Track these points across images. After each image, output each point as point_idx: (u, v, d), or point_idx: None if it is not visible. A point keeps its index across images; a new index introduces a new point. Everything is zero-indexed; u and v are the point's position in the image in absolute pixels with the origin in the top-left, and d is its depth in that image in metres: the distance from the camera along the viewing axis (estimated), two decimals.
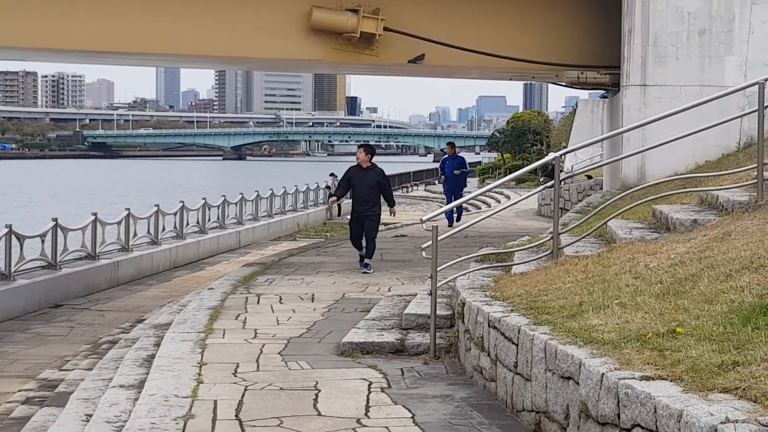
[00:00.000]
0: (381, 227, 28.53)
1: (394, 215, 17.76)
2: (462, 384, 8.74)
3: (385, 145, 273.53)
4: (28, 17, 21.64)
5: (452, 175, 26.67)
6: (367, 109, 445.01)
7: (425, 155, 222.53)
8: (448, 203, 25.55)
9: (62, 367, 12.06)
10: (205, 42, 22.60)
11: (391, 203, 17.33)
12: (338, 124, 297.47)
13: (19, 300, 16.57)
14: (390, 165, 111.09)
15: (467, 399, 8.18)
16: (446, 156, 27.59)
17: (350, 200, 17.71)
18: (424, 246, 10.04)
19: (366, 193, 16.85)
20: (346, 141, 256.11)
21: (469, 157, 71.67)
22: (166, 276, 21.90)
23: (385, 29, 21.23)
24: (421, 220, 10.25)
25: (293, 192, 37.01)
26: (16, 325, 15.70)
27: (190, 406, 7.72)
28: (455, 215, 25.83)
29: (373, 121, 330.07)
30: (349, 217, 17.66)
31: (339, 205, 40.19)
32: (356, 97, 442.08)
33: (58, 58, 28.95)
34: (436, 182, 31.48)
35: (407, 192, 63.97)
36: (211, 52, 23.17)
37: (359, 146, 17.58)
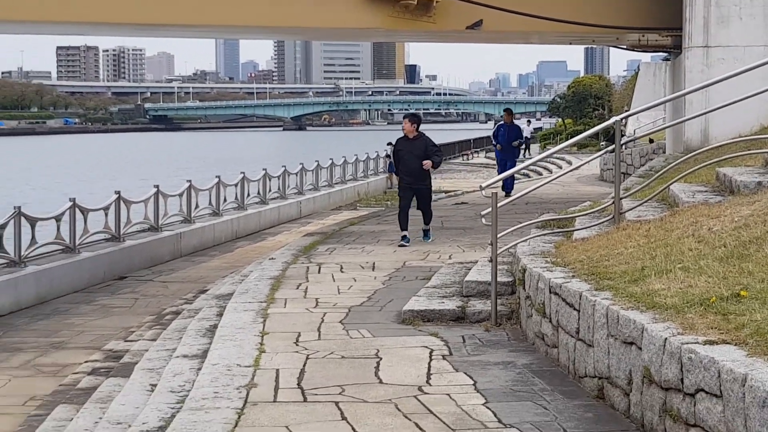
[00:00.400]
0: (441, 195, 28.57)
1: (425, 166, 16.23)
2: (524, 351, 8.71)
3: (445, 113, 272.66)
4: None
5: (507, 144, 24.97)
6: (427, 77, 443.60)
7: (485, 122, 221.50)
8: (499, 172, 24.02)
9: (127, 338, 12.19)
10: (263, 12, 22.61)
11: (434, 161, 16.34)
12: (397, 92, 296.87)
13: (84, 272, 16.77)
14: (450, 132, 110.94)
15: (529, 365, 8.15)
16: (502, 122, 26.06)
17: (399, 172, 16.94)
18: (483, 213, 10.00)
19: (414, 163, 16.26)
20: (406, 109, 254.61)
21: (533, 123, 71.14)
22: (228, 247, 22.04)
23: None
24: (480, 186, 10.20)
25: (353, 161, 37.00)
26: (81, 297, 15.91)
27: (253, 375, 7.77)
28: (505, 186, 23.93)
29: (433, 88, 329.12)
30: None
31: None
32: (415, 65, 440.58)
33: (118, 32, 29.11)
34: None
35: (467, 159, 63.70)
36: (269, 22, 23.19)
37: (404, 116, 17.03)
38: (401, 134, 16.90)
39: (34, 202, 37.85)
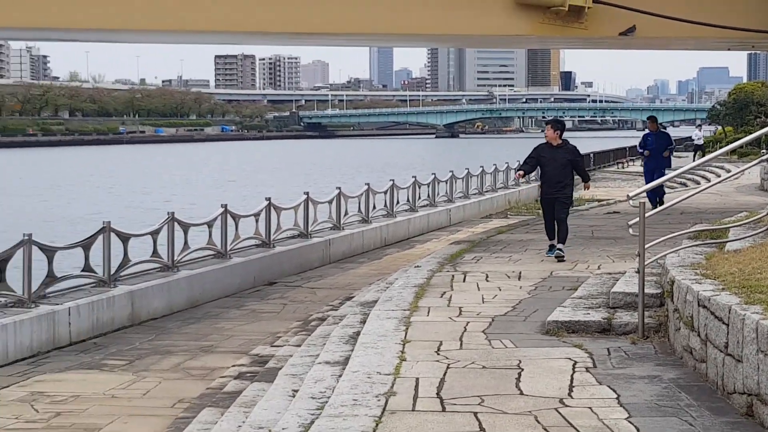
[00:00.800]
0: (594, 203, 28.15)
1: (588, 189, 16.76)
2: (671, 365, 8.47)
3: (601, 120, 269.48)
4: (244, 1, 22.18)
5: (656, 152, 23.58)
6: (582, 83, 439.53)
7: (643, 130, 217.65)
8: (647, 182, 22.15)
9: (273, 343, 12.33)
10: (417, 20, 22.59)
11: (586, 178, 16.22)
12: (552, 99, 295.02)
13: (234, 277, 17.07)
14: (605, 140, 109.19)
15: (676, 380, 7.93)
16: (647, 132, 24.48)
17: (539, 182, 16.40)
18: (631, 223, 9.79)
19: (557, 173, 15.39)
20: (561, 117, 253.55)
21: (689, 131, 69.57)
22: (376, 254, 22.14)
23: (594, 1, 20.75)
24: (627, 196, 10.00)
25: (504, 169, 36.74)
26: (231, 302, 16.19)
27: (392, 384, 7.76)
28: (657, 197, 22.36)
29: (588, 95, 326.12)
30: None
31: None
32: (571, 72, 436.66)
33: (275, 41, 29.48)
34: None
35: (622, 167, 62.64)
36: (422, 30, 23.16)
37: (546, 122, 16.28)
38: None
39: (188, 208, 38.83)
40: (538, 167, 16.03)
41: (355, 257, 21.52)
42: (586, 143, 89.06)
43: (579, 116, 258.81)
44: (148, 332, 13.76)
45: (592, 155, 54.32)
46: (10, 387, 10.74)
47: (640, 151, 24.78)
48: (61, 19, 21.07)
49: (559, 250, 15.29)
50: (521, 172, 16.40)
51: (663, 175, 22.52)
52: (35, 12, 20.66)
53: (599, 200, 30.52)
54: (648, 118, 25.42)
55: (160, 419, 9.41)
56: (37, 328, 12.35)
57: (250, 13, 22.29)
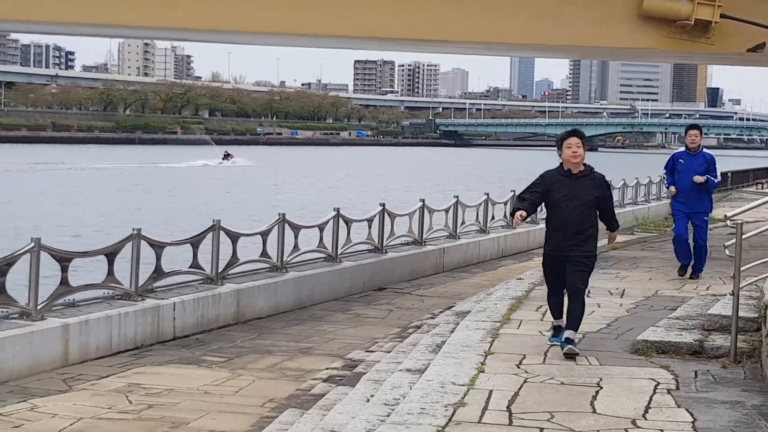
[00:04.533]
0: (719, 224, 27.41)
1: (612, 242, 10.78)
2: (758, 391, 8.26)
3: (748, 139, 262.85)
4: (384, 8, 22.32)
5: (689, 184, 15.14)
6: (730, 100, 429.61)
7: None
8: (676, 233, 15.46)
9: (369, 348, 12.39)
10: (550, 32, 22.42)
11: (612, 225, 10.02)
12: (697, 115, 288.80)
13: (344, 281, 17.21)
14: (751, 159, 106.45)
15: (759, 407, 7.72)
16: (681, 151, 15.87)
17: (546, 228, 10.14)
18: (728, 244, 9.58)
19: (576, 217, 9.57)
20: (705, 134, 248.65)
21: None
22: (492, 265, 22.03)
23: (722, 16, 20.29)
24: (725, 216, 9.79)
25: (633, 184, 36.16)
26: (339, 305, 16.32)
27: (464, 395, 7.75)
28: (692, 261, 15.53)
29: (735, 113, 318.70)
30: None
31: None
32: (718, 88, 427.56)
33: (411, 48, 29.52)
34: None
35: (761, 188, 61.21)
36: (552, 41, 22.99)
37: (567, 133, 10.03)
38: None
39: (299, 210, 39.29)
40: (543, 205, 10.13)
41: (470, 267, 21.46)
42: (731, 162, 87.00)
43: (724, 134, 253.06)
44: (251, 331, 13.97)
45: (730, 174, 53.13)
46: (109, 377, 11.04)
47: (669, 181, 15.88)
48: (205, 20, 21.53)
49: (571, 343, 9.42)
50: (520, 215, 9.66)
51: (705, 223, 15.68)
52: (180, 12, 21.15)
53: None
54: (688, 128, 16.41)
55: (247, 417, 9.54)
56: (141, 321, 12.68)
57: (389, 19, 22.43)
